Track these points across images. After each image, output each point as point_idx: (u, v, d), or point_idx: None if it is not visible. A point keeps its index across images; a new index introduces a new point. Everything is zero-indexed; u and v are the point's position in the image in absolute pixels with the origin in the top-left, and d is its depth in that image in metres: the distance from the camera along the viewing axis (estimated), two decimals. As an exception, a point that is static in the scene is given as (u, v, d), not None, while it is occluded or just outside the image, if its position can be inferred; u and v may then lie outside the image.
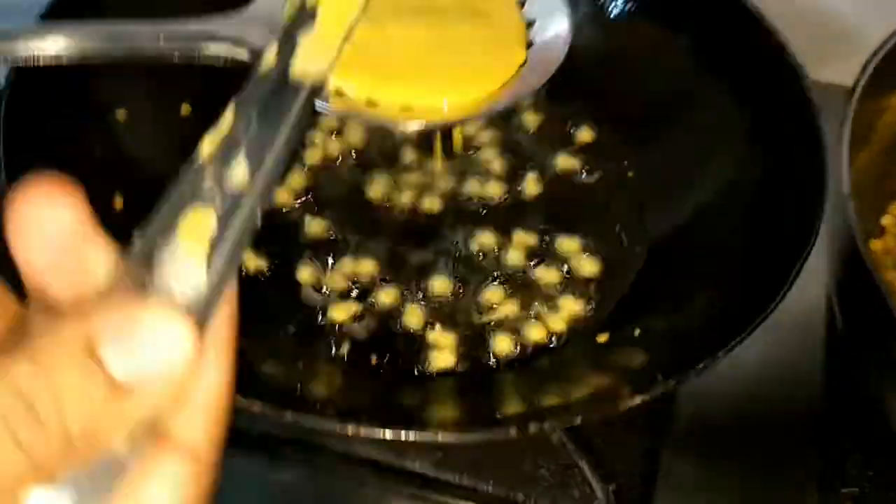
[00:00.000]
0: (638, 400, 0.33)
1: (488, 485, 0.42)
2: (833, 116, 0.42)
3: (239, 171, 0.20)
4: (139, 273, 0.19)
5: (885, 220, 0.51)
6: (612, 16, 0.51)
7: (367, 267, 0.46)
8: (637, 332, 0.41)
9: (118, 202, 0.42)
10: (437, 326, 0.44)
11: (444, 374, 0.43)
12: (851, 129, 0.44)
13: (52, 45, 0.33)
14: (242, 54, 0.37)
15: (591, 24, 0.50)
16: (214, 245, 0.19)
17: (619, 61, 0.50)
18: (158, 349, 0.18)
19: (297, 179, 0.49)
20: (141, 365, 0.18)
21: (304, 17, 0.24)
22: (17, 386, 0.17)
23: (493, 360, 0.43)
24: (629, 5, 0.50)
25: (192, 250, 0.19)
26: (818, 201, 0.39)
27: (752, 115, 0.46)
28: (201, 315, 0.19)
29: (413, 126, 0.41)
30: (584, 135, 0.51)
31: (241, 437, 0.43)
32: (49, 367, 0.17)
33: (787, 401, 0.47)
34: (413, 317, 0.45)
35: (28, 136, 0.39)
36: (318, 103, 0.37)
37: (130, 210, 0.42)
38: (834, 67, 0.52)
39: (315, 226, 0.47)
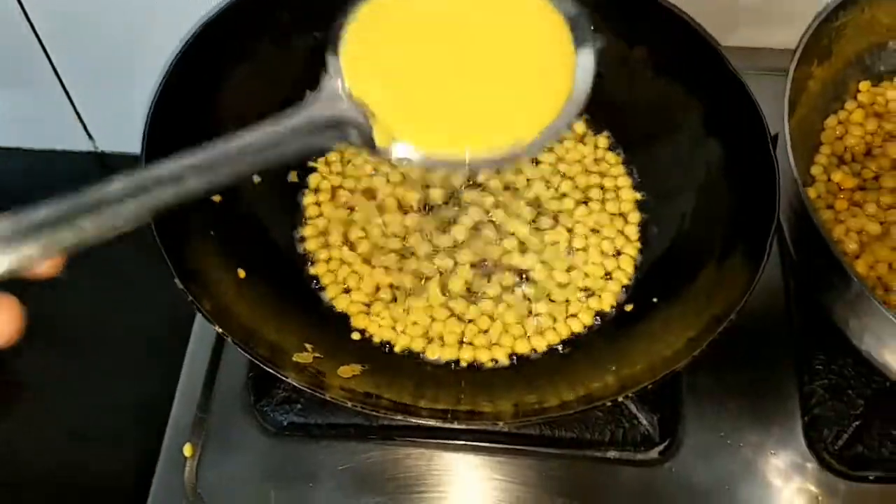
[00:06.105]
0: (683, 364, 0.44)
1: (558, 430, 0.53)
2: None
3: None
4: None
5: (814, 170, 0.61)
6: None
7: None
8: (655, 300, 0.52)
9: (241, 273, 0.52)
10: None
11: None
12: (789, 95, 0.53)
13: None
14: (354, 137, 0.37)
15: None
16: None
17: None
18: None
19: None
20: None
21: None
22: None
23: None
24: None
25: None
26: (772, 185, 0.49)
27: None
28: None
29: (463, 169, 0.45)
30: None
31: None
32: None
33: (763, 319, 0.58)
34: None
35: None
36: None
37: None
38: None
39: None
